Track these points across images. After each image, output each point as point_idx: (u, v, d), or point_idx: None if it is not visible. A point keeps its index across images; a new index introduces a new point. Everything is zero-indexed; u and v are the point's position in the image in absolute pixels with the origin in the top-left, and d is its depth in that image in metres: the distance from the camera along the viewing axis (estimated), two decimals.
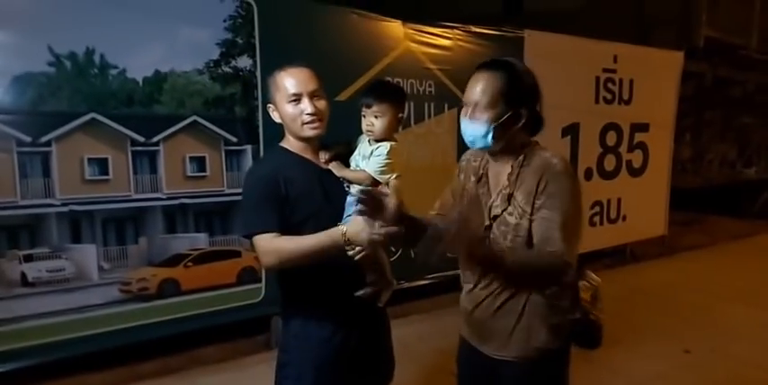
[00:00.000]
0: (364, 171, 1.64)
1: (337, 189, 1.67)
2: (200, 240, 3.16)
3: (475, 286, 1.56)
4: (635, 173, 5.24)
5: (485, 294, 1.53)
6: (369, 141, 1.68)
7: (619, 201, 5.10)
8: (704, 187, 8.06)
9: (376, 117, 1.64)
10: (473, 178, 1.57)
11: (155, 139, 2.96)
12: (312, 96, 1.62)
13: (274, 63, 3.04)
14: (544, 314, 1.48)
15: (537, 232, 1.39)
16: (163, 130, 2.97)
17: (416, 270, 3.81)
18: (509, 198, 1.44)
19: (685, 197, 6.52)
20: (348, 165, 1.71)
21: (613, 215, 5.09)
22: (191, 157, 3.08)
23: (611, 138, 4.92)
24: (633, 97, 5.00)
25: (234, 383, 3.08)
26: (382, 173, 1.63)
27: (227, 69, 3.08)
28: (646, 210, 5.38)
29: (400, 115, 1.69)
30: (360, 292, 1.68)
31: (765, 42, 8.90)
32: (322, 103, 1.64)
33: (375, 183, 1.64)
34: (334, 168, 1.69)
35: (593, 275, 1.59)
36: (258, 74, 3.14)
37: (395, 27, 3.64)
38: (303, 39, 3.23)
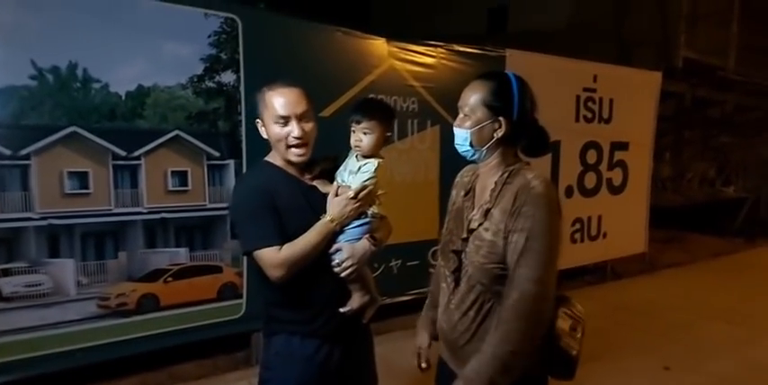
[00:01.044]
0: (349, 186, 1.66)
1: (322, 204, 1.67)
2: (181, 255, 3.13)
3: (448, 303, 1.56)
4: (615, 190, 5.31)
5: (458, 315, 1.52)
6: (356, 157, 1.71)
7: (599, 218, 5.16)
8: (684, 205, 8.18)
9: (365, 133, 1.66)
10: (462, 192, 1.60)
11: (137, 153, 2.95)
12: (300, 119, 1.63)
13: (258, 78, 3.12)
14: None
15: (510, 260, 1.39)
16: (145, 145, 2.97)
17: (398, 286, 3.81)
18: (486, 213, 1.45)
19: (665, 215, 6.62)
20: (332, 180, 1.73)
21: (594, 232, 5.15)
22: (173, 172, 3.07)
23: (591, 157, 4.99)
24: (613, 116, 5.09)
25: None
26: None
27: (210, 84, 3.09)
28: (626, 228, 5.44)
29: (388, 133, 1.72)
30: (344, 309, 1.68)
31: (742, 64, 9.15)
32: (309, 126, 1.65)
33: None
34: (320, 185, 1.71)
35: (578, 307, 1.55)
36: (242, 89, 3.16)
37: (379, 45, 3.69)
38: (287, 55, 3.26)
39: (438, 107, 3.87)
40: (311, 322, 1.68)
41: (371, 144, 1.67)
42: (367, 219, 1.69)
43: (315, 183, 1.72)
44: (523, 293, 1.36)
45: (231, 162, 3.21)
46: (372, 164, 1.67)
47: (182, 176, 3.09)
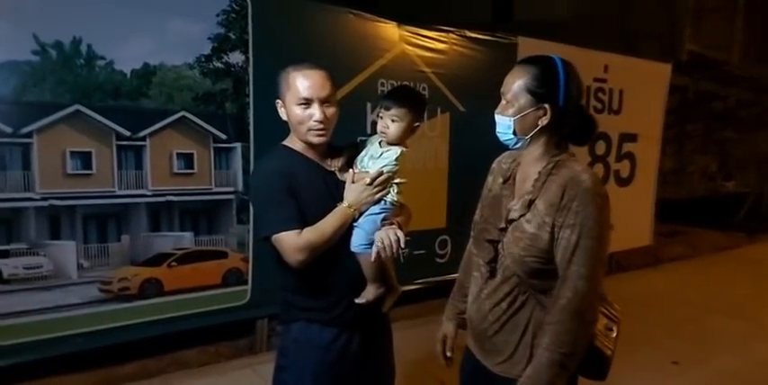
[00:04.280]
0: (368, 172, 1.59)
1: (341, 190, 1.62)
2: (186, 240, 3.06)
3: (480, 292, 1.50)
4: (622, 182, 5.26)
5: (489, 305, 1.46)
6: (380, 143, 1.64)
7: None
8: (685, 199, 8.16)
9: (393, 120, 1.60)
10: (500, 179, 1.52)
11: (141, 134, 2.87)
12: (323, 103, 1.57)
13: (267, 60, 3.03)
14: None
15: (561, 258, 1.33)
16: (150, 125, 2.88)
17: (405, 275, 3.75)
18: (530, 204, 1.37)
19: (667, 208, 6.58)
20: (352, 166, 1.66)
21: None
22: (178, 154, 2.99)
23: (599, 148, 4.93)
24: (622, 107, 5.03)
25: None
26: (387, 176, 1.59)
27: (218, 65, 3.00)
28: (632, 220, 5.40)
29: (417, 124, 1.65)
30: (359, 299, 1.63)
31: (746, 59, 9.10)
32: (331, 111, 1.59)
33: None
34: (339, 173, 1.66)
35: (616, 306, 1.51)
36: (250, 70, 3.07)
37: (390, 29, 3.59)
38: (297, 37, 3.17)
39: (449, 94, 3.79)
40: (330, 310, 1.64)
41: (399, 132, 1.61)
42: (386, 206, 1.62)
43: (338, 170, 1.66)
44: (577, 292, 1.30)
45: (238, 145, 3.13)
46: (395, 151, 1.61)
47: (187, 159, 3.02)
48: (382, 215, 1.61)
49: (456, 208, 3.88)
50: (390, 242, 1.53)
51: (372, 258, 1.56)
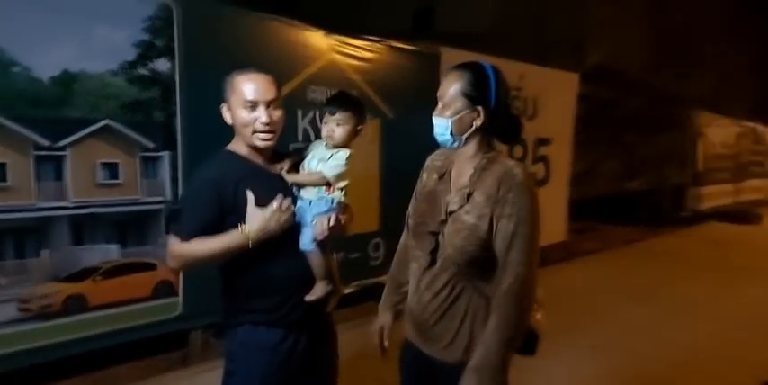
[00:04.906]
0: (319, 173, 1.65)
1: (287, 194, 1.65)
2: (112, 252, 2.95)
3: (419, 283, 1.59)
4: (538, 183, 5.59)
5: (429, 295, 1.55)
6: (326, 146, 1.70)
7: None
8: (594, 198, 8.75)
9: (338, 124, 1.67)
10: (435, 175, 1.62)
11: (61, 144, 2.75)
12: (269, 105, 1.60)
13: (194, 67, 3.00)
14: (486, 317, 1.50)
15: (500, 246, 1.44)
16: (71, 134, 2.76)
17: (340, 278, 3.80)
18: (468, 196, 1.48)
19: (578, 207, 7.04)
20: (298, 170, 1.72)
21: None
22: (102, 163, 2.88)
23: (517, 151, 5.22)
24: (537, 113, 5.37)
25: None
26: (337, 176, 1.65)
27: (144, 72, 2.93)
28: (548, 218, 5.68)
29: (359, 127, 1.73)
30: (309, 297, 1.67)
31: (644, 69, 9.93)
32: (278, 114, 1.63)
33: (327, 184, 1.65)
34: (287, 176, 1.69)
35: (539, 289, 1.62)
36: (177, 78, 3.01)
37: (318, 37, 3.65)
38: (225, 44, 3.14)
39: (378, 101, 3.90)
40: (276, 310, 1.66)
41: (344, 135, 1.68)
42: (333, 206, 1.68)
43: (283, 174, 1.69)
44: (518, 276, 1.42)
45: (166, 154, 3.06)
46: (345, 152, 1.68)
47: (112, 168, 2.91)
48: (329, 214, 1.67)
49: (388, 211, 3.97)
50: (324, 226, 1.61)
51: (311, 240, 1.63)
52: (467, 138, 1.52)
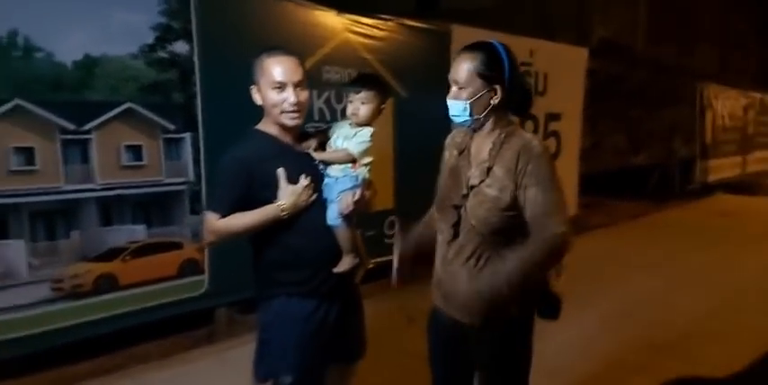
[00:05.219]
0: (345, 149, 1.71)
1: (314, 172, 1.74)
2: (139, 232, 3.03)
3: (446, 255, 1.65)
4: None
5: (458, 264, 1.62)
6: (350, 125, 1.76)
7: None
8: (601, 173, 8.79)
9: (363, 103, 1.73)
10: (455, 152, 1.68)
11: (86, 127, 2.80)
12: (296, 86, 1.67)
13: (212, 49, 3.03)
14: None
15: (531, 214, 1.50)
16: (95, 118, 2.82)
17: None
18: (488, 171, 1.55)
19: (586, 182, 7.09)
20: (325, 148, 1.79)
21: None
22: (126, 146, 2.94)
23: (528, 127, 5.24)
24: (547, 89, 5.38)
25: (182, 378, 3.00)
26: (362, 153, 1.71)
27: (163, 54, 2.97)
28: None
29: (382, 106, 1.78)
30: (337, 269, 1.75)
31: (649, 42, 9.85)
32: (304, 95, 1.70)
33: (353, 161, 1.71)
34: (315, 154, 1.75)
35: None
36: (196, 60, 3.05)
37: (331, 17, 3.66)
38: (241, 26, 3.18)
39: (391, 80, 3.92)
40: (309, 282, 1.75)
41: (368, 113, 1.75)
42: (358, 183, 1.75)
43: (310, 151, 1.76)
44: (556, 235, 1.49)
45: (187, 135, 3.12)
46: (369, 130, 1.75)
47: (136, 151, 2.98)
48: (354, 190, 1.73)
49: (403, 189, 4.03)
50: (349, 201, 1.69)
51: (337, 215, 1.71)
52: (485, 117, 1.57)
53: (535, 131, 5.33)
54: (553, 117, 5.54)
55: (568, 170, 5.97)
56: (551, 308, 1.68)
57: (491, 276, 1.54)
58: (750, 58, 13.43)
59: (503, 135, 1.57)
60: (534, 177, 1.49)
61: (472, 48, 1.57)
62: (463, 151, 1.66)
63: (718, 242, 6.19)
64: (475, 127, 1.61)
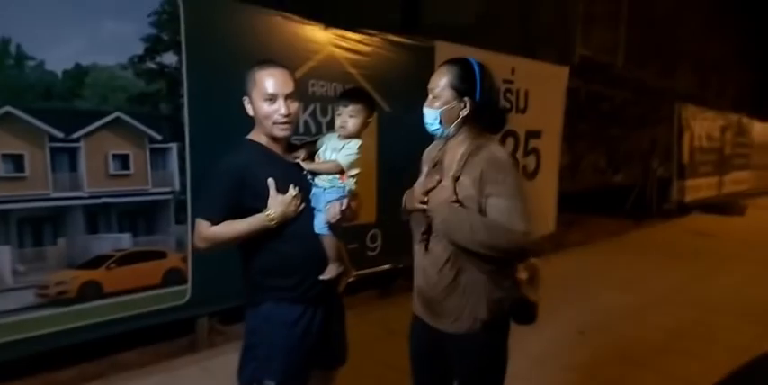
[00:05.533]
0: (334, 160, 1.78)
1: (303, 182, 1.81)
2: (124, 241, 3.05)
3: (422, 263, 1.73)
4: (529, 176, 5.76)
5: (434, 272, 1.69)
6: (338, 137, 1.83)
7: None
8: (580, 191, 8.96)
9: (351, 116, 1.81)
10: (430, 163, 1.78)
11: (75, 136, 2.84)
12: (287, 98, 1.74)
13: (200, 61, 3.10)
14: (485, 290, 1.66)
15: (498, 220, 1.58)
16: (84, 126, 2.86)
17: None
18: (455, 180, 1.64)
19: (564, 200, 7.24)
20: (313, 159, 1.86)
21: None
22: (114, 155, 2.98)
23: (509, 144, 5.38)
24: (528, 107, 5.52)
25: None
26: (350, 164, 1.79)
27: (151, 65, 3.03)
28: (539, 210, 5.92)
29: (369, 119, 1.87)
30: (323, 276, 1.81)
31: (629, 62, 10.13)
32: (295, 106, 1.78)
33: (341, 172, 1.79)
34: (305, 164, 1.82)
35: (533, 260, 1.79)
36: (184, 71, 3.11)
37: (317, 31, 3.75)
38: (229, 38, 3.26)
39: (375, 94, 4.01)
40: (296, 288, 1.81)
41: (356, 126, 1.83)
42: (344, 194, 1.82)
43: (300, 161, 1.83)
44: (521, 238, 1.58)
45: (174, 145, 3.17)
46: (356, 142, 1.83)
47: (123, 160, 3.01)
48: (341, 201, 1.80)
49: (385, 202, 4.09)
50: (336, 210, 1.75)
51: (324, 224, 1.77)
52: (455, 128, 1.68)
53: (515, 148, 5.46)
54: (533, 134, 5.67)
55: (548, 188, 6.10)
56: (526, 312, 1.76)
57: (462, 212, 1.60)
58: (729, 80, 13.86)
59: (473, 147, 1.66)
60: (499, 186, 1.58)
61: (451, 62, 1.70)
62: (436, 164, 1.76)
63: (694, 260, 6.34)
64: (447, 136, 1.71)
